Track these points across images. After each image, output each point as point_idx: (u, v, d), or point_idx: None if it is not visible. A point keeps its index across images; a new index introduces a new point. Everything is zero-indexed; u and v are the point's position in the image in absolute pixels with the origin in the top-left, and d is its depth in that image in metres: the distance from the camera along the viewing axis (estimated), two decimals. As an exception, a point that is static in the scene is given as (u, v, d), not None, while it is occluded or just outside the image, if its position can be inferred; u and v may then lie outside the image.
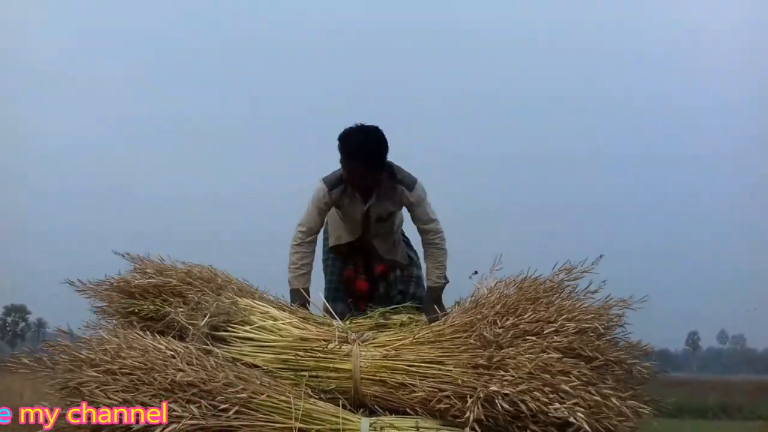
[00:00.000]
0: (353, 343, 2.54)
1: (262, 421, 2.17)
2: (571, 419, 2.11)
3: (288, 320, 2.64)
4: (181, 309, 2.54)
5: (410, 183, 3.26)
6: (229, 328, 2.52)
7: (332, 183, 3.30)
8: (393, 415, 2.33)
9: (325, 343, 2.52)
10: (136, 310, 2.65)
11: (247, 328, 2.53)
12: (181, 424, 2.08)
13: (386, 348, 2.52)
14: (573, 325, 2.30)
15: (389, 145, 3.18)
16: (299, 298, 3.24)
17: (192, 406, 2.12)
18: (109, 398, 2.12)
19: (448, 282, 3.30)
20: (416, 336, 2.53)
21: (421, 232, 3.35)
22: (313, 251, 3.40)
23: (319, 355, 2.49)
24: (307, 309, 3.23)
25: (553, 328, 2.31)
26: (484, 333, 2.35)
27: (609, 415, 2.18)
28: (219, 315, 2.49)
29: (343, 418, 2.25)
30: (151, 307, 2.64)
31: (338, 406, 2.31)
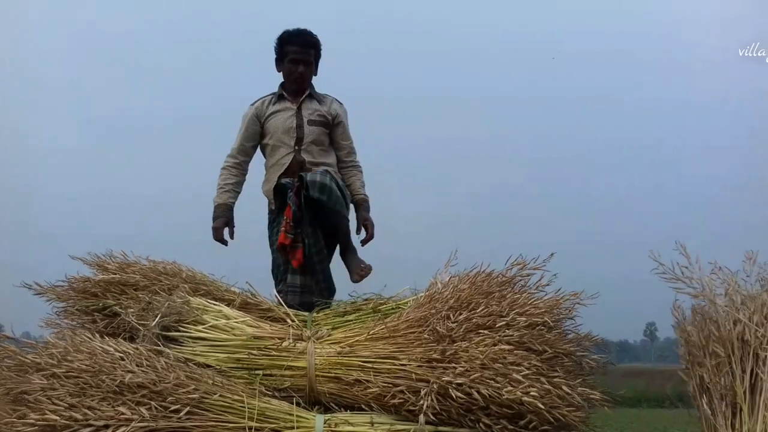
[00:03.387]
0: (308, 340, 2.53)
1: (214, 421, 2.15)
2: (525, 399, 2.14)
3: (242, 319, 2.61)
4: (132, 309, 2.49)
5: (339, 100, 3.54)
6: (181, 328, 2.49)
7: (257, 99, 3.50)
8: (348, 411, 2.33)
9: (279, 341, 2.50)
10: (100, 306, 2.61)
11: (200, 327, 2.50)
12: (130, 427, 2.04)
13: (341, 345, 2.52)
14: (524, 319, 2.33)
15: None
16: (220, 212, 3.40)
17: (142, 408, 2.08)
18: (55, 404, 2.06)
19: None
20: (371, 332, 2.53)
21: (341, 149, 3.53)
22: (241, 173, 3.52)
23: (273, 353, 2.47)
24: (231, 227, 3.43)
25: (504, 322, 2.33)
26: (437, 327, 2.36)
27: (559, 404, 2.22)
28: (170, 315, 2.45)
29: (298, 416, 2.24)
30: (113, 302, 2.60)
31: (293, 404, 2.30)
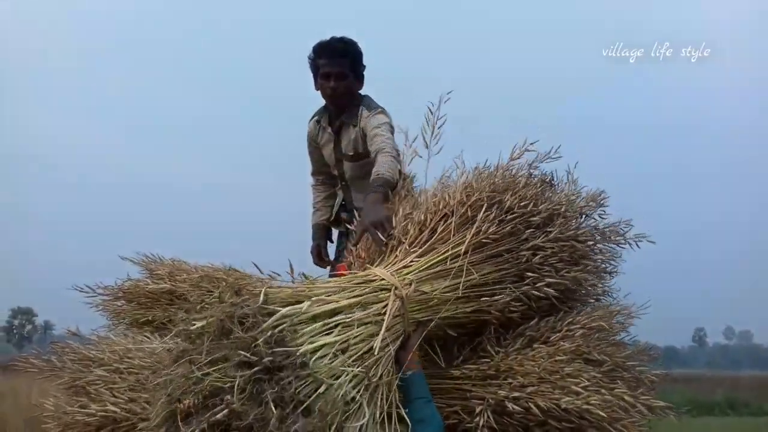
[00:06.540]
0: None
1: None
2: (585, 407, 2.05)
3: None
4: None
5: (371, 105, 2.94)
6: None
7: (312, 116, 3.20)
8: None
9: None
10: (150, 319, 2.62)
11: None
12: (187, 423, 2.06)
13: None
14: (578, 326, 2.26)
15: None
16: (313, 233, 3.26)
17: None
18: (115, 396, 2.11)
19: (392, 187, 2.63)
20: None
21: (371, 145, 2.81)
22: (328, 188, 3.31)
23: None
24: (324, 248, 3.26)
25: (559, 334, 2.26)
26: (488, 346, 2.29)
27: (622, 416, 2.14)
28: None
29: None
30: (164, 313, 2.60)
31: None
